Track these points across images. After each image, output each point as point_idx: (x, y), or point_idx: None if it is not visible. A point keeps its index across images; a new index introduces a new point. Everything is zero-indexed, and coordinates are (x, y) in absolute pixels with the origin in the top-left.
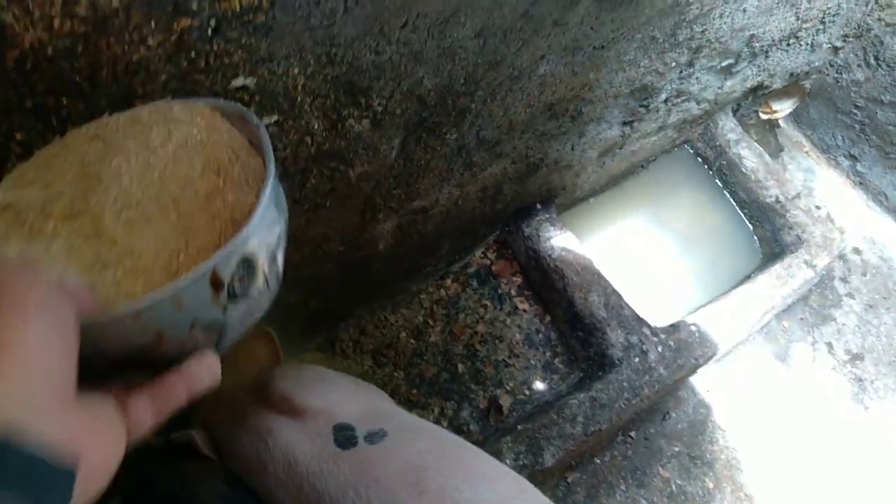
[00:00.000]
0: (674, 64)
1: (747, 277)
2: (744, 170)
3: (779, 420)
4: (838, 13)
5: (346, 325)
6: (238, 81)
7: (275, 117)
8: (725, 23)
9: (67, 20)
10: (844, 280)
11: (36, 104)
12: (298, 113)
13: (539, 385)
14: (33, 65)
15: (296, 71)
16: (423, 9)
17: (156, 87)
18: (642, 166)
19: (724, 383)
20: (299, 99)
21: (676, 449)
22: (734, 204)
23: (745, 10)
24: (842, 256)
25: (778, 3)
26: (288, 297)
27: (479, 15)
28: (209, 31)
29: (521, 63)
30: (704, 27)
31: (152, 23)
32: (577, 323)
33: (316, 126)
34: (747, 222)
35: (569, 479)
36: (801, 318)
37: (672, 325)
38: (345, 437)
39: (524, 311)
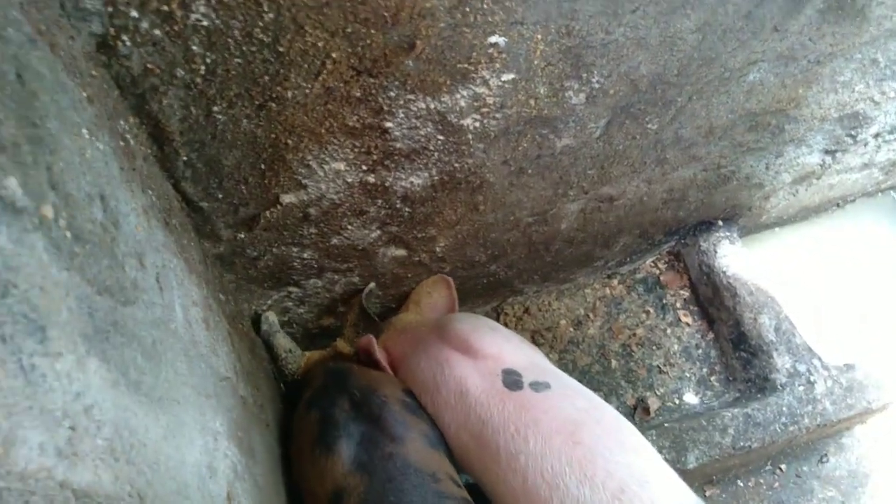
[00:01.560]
0: (893, 95)
1: None
2: None
3: None
4: None
5: (514, 302)
6: (493, 39)
7: (512, 75)
8: None
9: None
10: None
11: (353, 30)
12: (531, 76)
13: (691, 398)
14: None
15: (539, 37)
16: None
17: (434, 31)
18: (838, 204)
19: None
20: (535, 62)
21: (830, 494)
22: None
23: None
24: None
25: None
26: (475, 254)
27: (704, 9)
28: None
29: (734, 64)
30: None
31: None
32: (742, 343)
33: (541, 91)
34: None
35: (707, 493)
36: None
37: (847, 365)
38: (512, 380)
39: (687, 324)
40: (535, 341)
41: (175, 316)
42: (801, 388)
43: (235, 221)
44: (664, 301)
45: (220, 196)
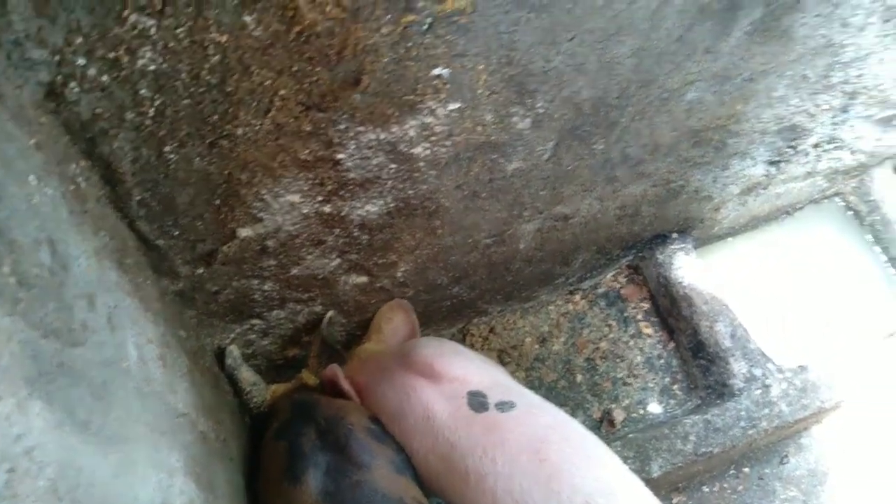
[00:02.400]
0: (826, 107)
1: (890, 335)
2: None
3: None
4: None
5: (479, 322)
6: (437, 71)
7: (458, 104)
8: (886, 70)
9: (335, 7)
10: None
11: (300, 68)
12: (476, 104)
13: (655, 407)
14: (306, 38)
15: (481, 67)
16: (589, 26)
17: (378, 66)
18: (787, 213)
19: (853, 438)
20: (479, 91)
21: (792, 494)
22: (885, 261)
23: None
24: None
25: None
26: (437, 277)
27: (638, 35)
28: (425, 27)
29: (672, 85)
30: (861, 72)
31: (388, 16)
32: (701, 351)
33: (487, 118)
34: None
35: (674, 501)
36: None
37: (800, 366)
38: (478, 402)
39: (648, 335)
40: (501, 360)
41: (128, 355)
42: (758, 391)
43: (193, 257)
44: (626, 314)
45: (177, 233)
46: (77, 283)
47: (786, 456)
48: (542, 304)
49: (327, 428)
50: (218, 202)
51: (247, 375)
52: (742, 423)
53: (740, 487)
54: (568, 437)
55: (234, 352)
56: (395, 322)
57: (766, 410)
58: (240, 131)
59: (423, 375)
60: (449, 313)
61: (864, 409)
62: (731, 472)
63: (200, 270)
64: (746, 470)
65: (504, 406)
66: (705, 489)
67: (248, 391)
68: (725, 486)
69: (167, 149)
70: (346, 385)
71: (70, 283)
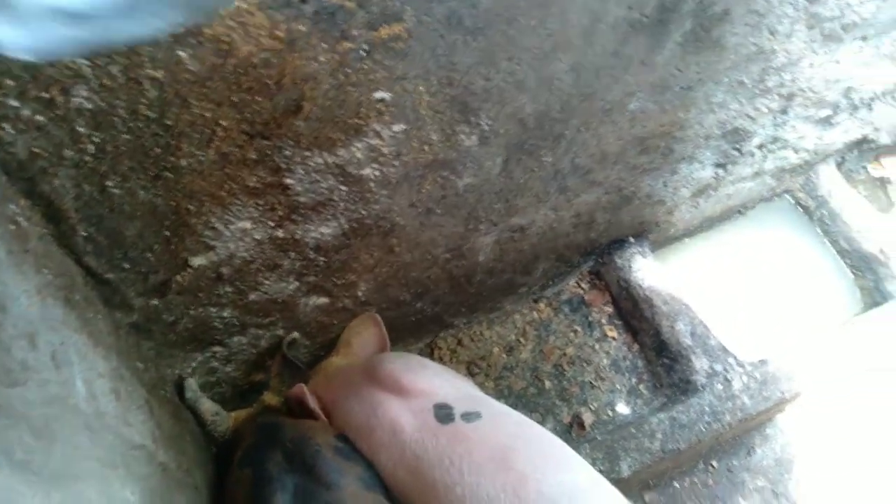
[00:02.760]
0: (766, 110)
1: (845, 325)
2: (845, 219)
3: (872, 468)
4: None
5: (446, 335)
6: (378, 94)
7: (403, 126)
8: (817, 73)
9: (270, 39)
10: None
11: (239, 99)
12: (421, 124)
13: (623, 408)
14: (243, 69)
15: (422, 89)
16: (526, 45)
17: (319, 93)
18: (739, 212)
19: (816, 425)
20: (423, 112)
21: (760, 484)
22: (835, 253)
23: (838, 62)
24: None
25: (875, 56)
26: (398, 294)
27: (574, 52)
28: (362, 53)
29: (613, 97)
30: (794, 75)
31: (324, 44)
32: (663, 350)
33: (434, 137)
34: (849, 272)
35: (646, 499)
36: None
37: (760, 360)
38: (444, 413)
39: (613, 338)
40: (470, 371)
41: (75, 391)
42: (720, 386)
43: (146, 289)
44: (590, 319)
45: (127, 266)
46: (16, 324)
47: (752, 447)
48: (507, 314)
49: (294, 450)
50: (167, 233)
51: (207, 406)
52: (706, 418)
53: (710, 481)
54: (533, 444)
55: (192, 385)
56: (364, 336)
57: (729, 404)
58: (184, 162)
59: (389, 390)
60: (415, 328)
61: (824, 397)
62: (701, 466)
63: (155, 301)
64: (715, 463)
65: (470, 416)
66: (676, 485)
67: (210, 421)
68: (696, 480)
69: (110, 183)
70: (313, 403)
71: (8, 323)
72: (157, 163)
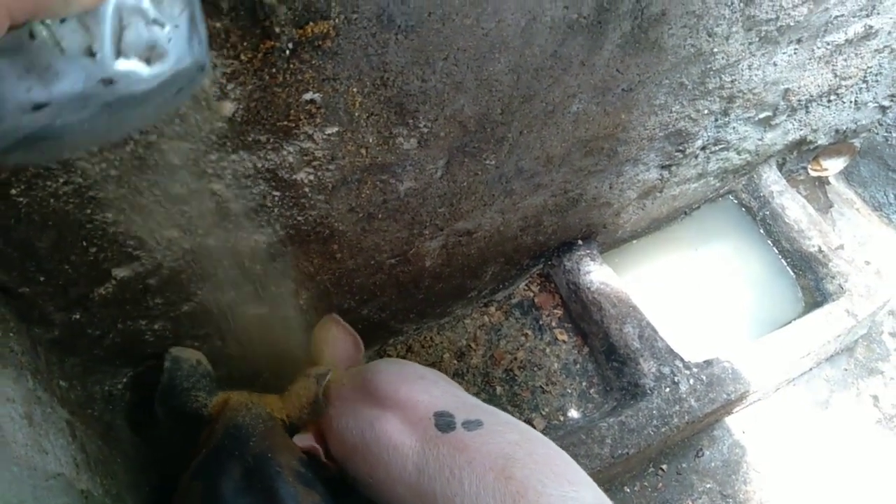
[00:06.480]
0: (707, 111)
1: (787, 324)
2: (787, 220)
3: (816, 467)
4: (881, 73)
5: (395, 342)
6: (308, 95)
7: (336, 128)
8: (756, 75)
9: None
10: (894, 335)
11: None
12: (356, 127)
13: (574, 413)
14: None
15: (354, 90)
16: (461, 45)
17: (244, 93)
18: (685, 213)
19: (761, 427)
20: (357, 114)
21: (708, 486)
22: (777, 253)
23: (775, 64)
24: (892, 312)
25: (810, 59)
26: (343, 301)
27: (511, 53)
28: (287, 52)
29: (554, 99)
30: (734, 77)
31: (245, 42)
32: (612, 353)
33: (370, 140)
34: (790, 271)
35: None
36: (846, 370)
37: (706, 361)
38: (445, 422)
39: (563, 341)
40: None
41: None
42: (668, 389)
43: (67, 303)
44: (541, 322)
45: (43, 279)
46: None
47: (701, 449)
48: (457, 319)
49: (254, 467)
50: (84, 243)
51: (189, 355)
52: (655, 422)
53: (660, 485)
54: (534, 453)
55: (171, 352)
56: (331, 341)
57: (677, 407)
58: (96, 168)
59: (386, 404)
60: (363, 336)
61: (769, 397)
62: (650, 470)
63: (77, 315)
64: (664, 467)
65: (471, 425)
66: (626, 489)
67: (191, 384)
68: (646, 484)
69: (14, 192)
70: (324, 460)
71: None
72: (66, 169)
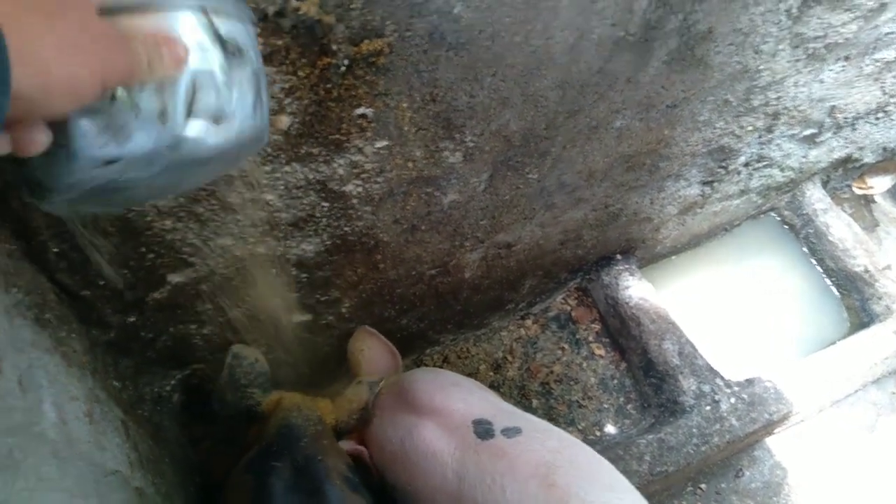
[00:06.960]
0: (751, 128)
1: (831, 344)
2: (831, 238)
3: (860, 492)
4: None
5: (432, 352)
6: (360, 110)
7: (385, 142)
8: (802, 92)
9: None
10: None
11: None
12: (404, 141)
13: (610, 428)
14: None
15: (405, 105)
16: (510, 61)
17: (300, 107)
18: (726, 229)
19: (804, 449)
20: (406, 129)
21: None
22: (821, 272)
23: (822, 81)
24: None
25: (858, 76)
26: (383, 310)
27: (558, 69)
28: (343, 69)
29: (598, 114)
30: (779, 94)
31: (303, 59)
32: (651, 369)
33: (418, 153)
34: (835, 291)
35: None
36: (893, 393)
37: (747, 380)
38: (483, 429)
39: (600, 356)
40: None
41: (43, 417)
42: (708, 407)
43: (123, 306)
44: (577, 336)
45: (102, 283)
46: None
47: (741, 469)
48: (494, 331)
49: (304, 466)
50: (143, 249)
51: (249, 353)
52: (695, 440)
53: (699, 503)
54: (575, 461)
55: (233, 349)
56: (368, 352)
57: (717, 426)
58: None
59: (423, 412)
60: (401, 345)
61: (812, 418)
62: (689, 488)
63: (132, 318)
64: (703, 486)
65: (510, 432)
66: None
67: (248, 381)
68: (684, 503)
69: None
70: (369, 463)
71: None
72: None
